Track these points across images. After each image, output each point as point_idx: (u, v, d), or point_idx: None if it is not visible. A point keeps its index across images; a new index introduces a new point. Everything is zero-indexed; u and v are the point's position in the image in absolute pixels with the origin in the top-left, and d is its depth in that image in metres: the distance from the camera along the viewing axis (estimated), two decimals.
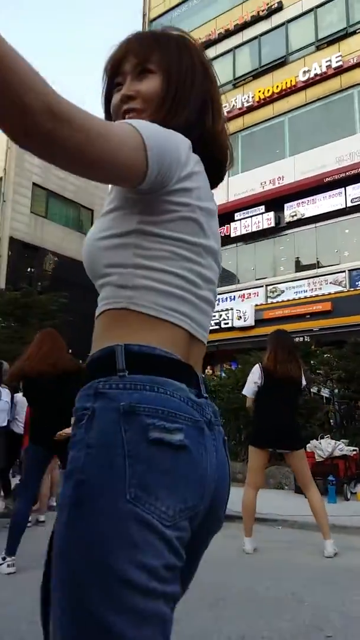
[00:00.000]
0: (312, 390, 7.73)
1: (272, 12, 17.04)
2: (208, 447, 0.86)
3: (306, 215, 15.19)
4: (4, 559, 3.41)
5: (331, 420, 7.69)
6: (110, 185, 0.91)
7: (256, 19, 17.35)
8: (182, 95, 0.98)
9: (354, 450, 6.33)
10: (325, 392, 7.87)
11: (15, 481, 6.15)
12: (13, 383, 5.33)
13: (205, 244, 0.94)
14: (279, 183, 15.88)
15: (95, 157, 0.73)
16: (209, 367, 11.29)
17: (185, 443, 0.81)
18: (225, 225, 16.72)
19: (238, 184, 17.03)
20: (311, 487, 3.96)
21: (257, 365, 4.25)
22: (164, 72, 0.98)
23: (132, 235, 0.88)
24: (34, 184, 20.25)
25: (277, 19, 17.02)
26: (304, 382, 4.10)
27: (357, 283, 14.27)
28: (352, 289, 14.07)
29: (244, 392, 4.27)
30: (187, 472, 0.81)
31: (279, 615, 2.61)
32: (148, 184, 0.81)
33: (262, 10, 17.20)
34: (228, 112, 17.71)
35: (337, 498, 5.80)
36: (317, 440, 6.37)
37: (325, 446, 6.18)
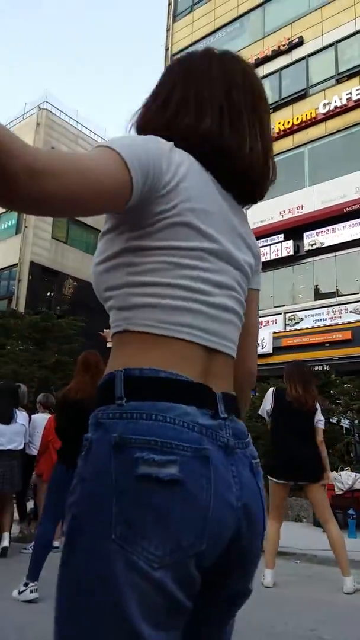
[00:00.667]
0: (332, 420, 7.60)
1: (293, 46, 17.43)
2: (216, 477, 0.77)
3: (326, 244, 15.20)
4: (26, 584, 3.31)
5: (351, 452, 7.54)
6: None
7: (277, 53, 17.76)
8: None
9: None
10: (345, 423, 7.74)
11: (29, 505, 6.13)
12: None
13: (208, 247, 0.87)
14: (298, 212, 15.97)
15: (85, 195, 0.72)
16: None
17: (178, 477, 0.73)
18: None
19: (257, 213, 17.16)
20: (330, 520, 3.86)
21: (270, 390, 4.24)
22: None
23: (122, 254, 0.86)
24: None
25: (297, 53, 17.40)
26: (318, 412, 4.06)
27: None
28: None
29: (260, 412, 4.34)
30: (180, 510, 0.73)
31: None
32: (135, 199, 0.79)
33: (283, 45, 17.60)
34: None
35: (357, 533, 5.64)
36: (337, 472, 6.24)
37: (345, 478, 6.05)
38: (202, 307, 0.86)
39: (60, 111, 21.82)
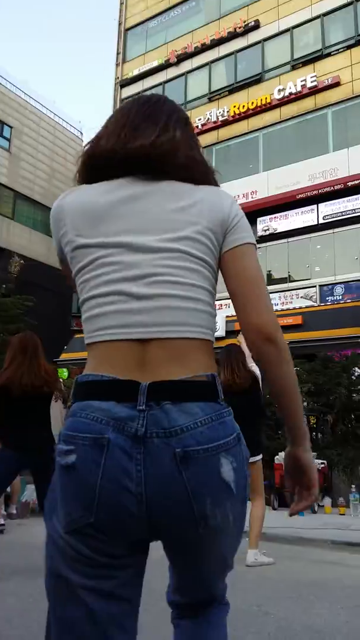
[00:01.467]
0: None
1: (248, 29, 17.37)
2: (110, 463, 0.87)
3: (279, 230, 15.41)
4: None
5: None
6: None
7: (233, 35, 17.66)
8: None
9: (322, 463, 6.37)
10: None
11: None
12: None
13: (103, 254, 0.97)
14: (252, 197, 16.09)
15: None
16: None
17: (73, 463, 0.88)
18: None
19: None
20: (259, 498, 4.02)
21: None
22: None
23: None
24: (0, 184, 20.03)
25: (253, 37, 17.37)
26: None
27: (327, 298, 14.51)
28: (322, 304, 14.29)
29: None
30: (73, 489, 0.90)
31: (245, 628, 2.56)
32: (64, 265, 1.09)
33: (239, 27, 17.52)
34: (203, 125, 17.91)
35: (304, 511, 5.82)
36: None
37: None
38: (118, 307, 0.94)
39: (7, 81, 21.05)
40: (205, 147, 18.26)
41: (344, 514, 5.77)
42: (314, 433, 7.69)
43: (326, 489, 6.39)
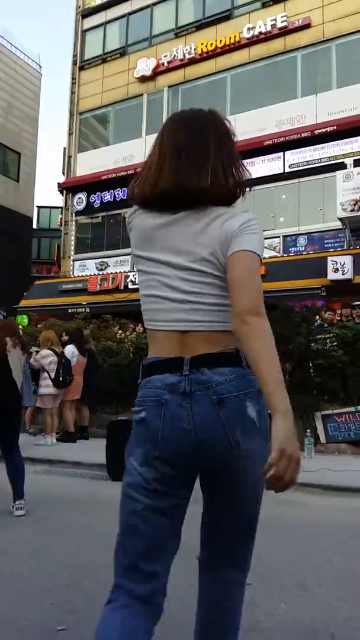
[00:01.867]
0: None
1: None
2: (168, 413, 1.27)
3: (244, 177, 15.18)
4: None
5: None
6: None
7: None
8: None
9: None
10: None
11: None
12: None
13: (147, 270, 1.37)
14: None
15: None
16: (140, 325, 11.23)
17: (143, 417, 1.31)
18: None
19: None
20: None
21: None
22: None
23: None
24: None
25: None
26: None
27: (290, 249, 14.60)
28: (285, 255, 14.38)
29: None
30: (144, 434, 1.30)
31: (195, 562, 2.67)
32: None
33: None
34: (169, 62, 17.13)
35: None
36: None
37: None
38: (161, 306, 1.33)
39: None
40: (171, 86, 17.55)
41: None
42: None
43: None
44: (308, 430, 6.13)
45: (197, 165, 1.33)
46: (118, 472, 5.05)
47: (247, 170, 1.45)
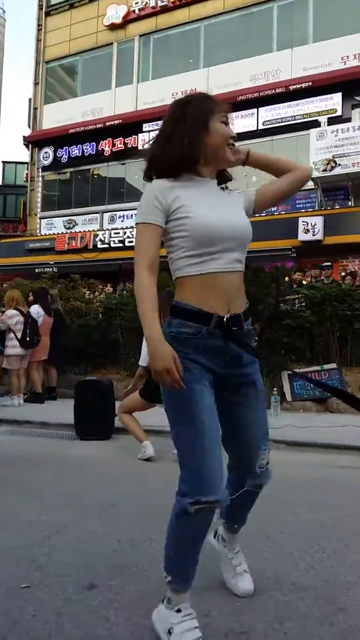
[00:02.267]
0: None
1: None
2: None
3: None
4: None
5: None
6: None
7: None
8: None
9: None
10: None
11: None
12: None
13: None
14: None
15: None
16: (109, 285, 11.09)
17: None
18: (132, 136, 15.93)
19: (148, 92, 16.13)
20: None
21: None
22: None
23: None
24: None
25: None
26: None
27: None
28: (257, 215, 14.20)
29: None
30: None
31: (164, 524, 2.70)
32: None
33: None
34: (140, 10, 16.35)
35: None
36: None
37: None
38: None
39: None
40: (142, 35, 16.78)
41: None
42: None
43: None
44: (275, 389, 6.23)
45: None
46: (86, 432, 5.06)
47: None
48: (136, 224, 1.62)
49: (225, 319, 1.59)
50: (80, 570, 2.10)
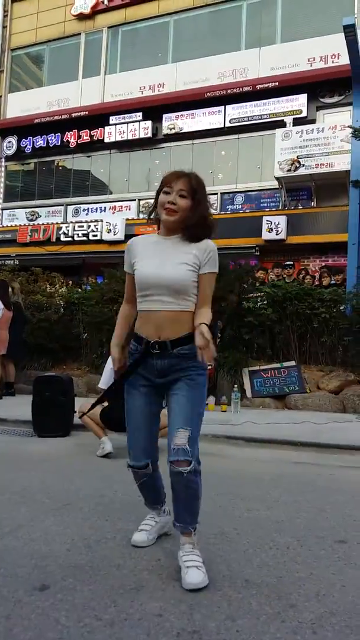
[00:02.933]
0: None
1: None
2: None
3: (184, 130, 14.81)
4: None
5: None
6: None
7: None
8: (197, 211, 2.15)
9: (209, 365, 6.67)
10: None
11: None
12: None
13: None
14: (159, 90, 15.14)
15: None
16: (70, 282, 10.93)
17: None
18: (99, 129, 15.71)
19: (115, 84, 15.94)
20: None
21: None
22: (193, 201, 2.14)
23: None
24: None
25: None
26: None
27: (227, 207, 14.56)
28: (222, 213, 14.34)
29: None
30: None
31: (126, 517, 2.68)
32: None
33: None
34: (109, 1, 16.13)
35: None
36: None
37: None
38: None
39: None
40: (110, 27, 16.55)
41: (225, 411, 6.19)
42: None
43: (211, 388, 6.77)
44: (235, 386, 6.28)
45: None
46: (44, 428, 4.97)
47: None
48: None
49: (151, 343, 2.09)
50: (32, 571, 2.06)
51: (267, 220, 12.70)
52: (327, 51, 13.34)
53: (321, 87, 13.27)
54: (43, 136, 16.73)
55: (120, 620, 1.70)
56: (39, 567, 2.10)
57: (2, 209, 17.70)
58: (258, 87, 13.70)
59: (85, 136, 16.05)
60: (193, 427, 2.05)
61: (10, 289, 7.46)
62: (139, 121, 15.19)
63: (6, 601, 1.81)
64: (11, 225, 16.85)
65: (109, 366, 2.29)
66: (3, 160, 17.84)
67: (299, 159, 12.38)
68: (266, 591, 1.92)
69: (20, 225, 16.46)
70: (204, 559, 2.04)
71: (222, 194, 14.59)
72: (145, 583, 1.97)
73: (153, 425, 2.24)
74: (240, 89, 13.89)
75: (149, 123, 15.05)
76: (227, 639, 1.60)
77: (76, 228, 15.25)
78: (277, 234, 12.58)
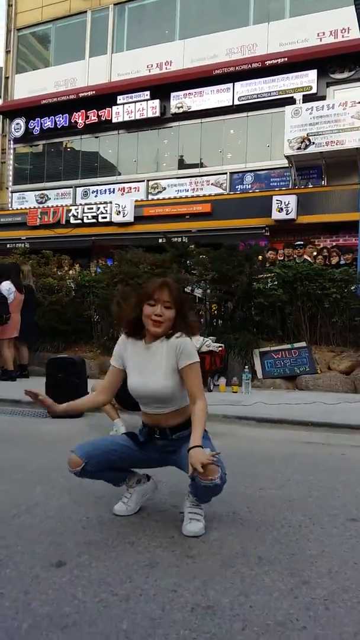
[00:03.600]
0: (186, 290, 7.87)
1: None
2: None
3: (192, 109, 14.62)
4: None
5: (202, 319, 8.00)
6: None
7: None
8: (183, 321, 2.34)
9: (220, 346, 6.68)
10: (198, 292, 8.07)
11: None
12: None
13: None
14: (166, 68, 14.92)
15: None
16: (77, 265, 10.93)
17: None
18: (106, 109, 15.56)
19: (122, 63, 15.73)
20: None
21: None
22: (176, 309, 2.30)
23: None
24: None
25: None
26: None
27: (237, 187, 14.42)
28: (231, 193, 14.20)
29: None
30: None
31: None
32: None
33: None
34: None
35: None
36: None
37: (194, 342, 6.44)
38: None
39: None
40: (117, 4, 16.25)
41: (236, 392, 6.22)
42: (214, 319, 7.99)
43: (222, 369, 6.79)
44: (246, 367, 6.29)
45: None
46: None
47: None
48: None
49: (153, 429, 2.38)
50: (48, 548, 2.10)
51: (277, 200, 12.57)
52: (337, 25, 13.03)
53: (331, 63, 12.99)
54: (51, 117, 16.62)
55: (135, 595, 1.74)
56: (55, 543, 2.14)
57: (12, 192, 17.69)
58: (267, 63, 13.45)
59: (93, 116, 15.91)
60: (211, 448, 2.22)
61: (21, 272, 7.48)
62: (146, 100, 15.02)
63: (24, 577, 1.86)
64: (21, 208, 16.85)
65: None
66: (12, 142, 17.76)
67: (309, 137, 12.19)
68: (279, 568, 1.95)
69: (30, 208, 16.46)
70: (216, 537, 2.07)
71: (231, 173, 14.45)
72: (159, 559, 2.01)
73: (115, 451, 2.38)
74: (249, 66, 13.64)
75: (156, 102, 14.87)
76: (241, 614, 1.63)
77: (85, 210, 15.21)
78: (287, 214, 12.45)
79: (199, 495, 2.26)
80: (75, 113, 16.19)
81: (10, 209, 17.28)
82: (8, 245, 13.84)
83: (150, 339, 2.35)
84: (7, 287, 6.98)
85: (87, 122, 16.06)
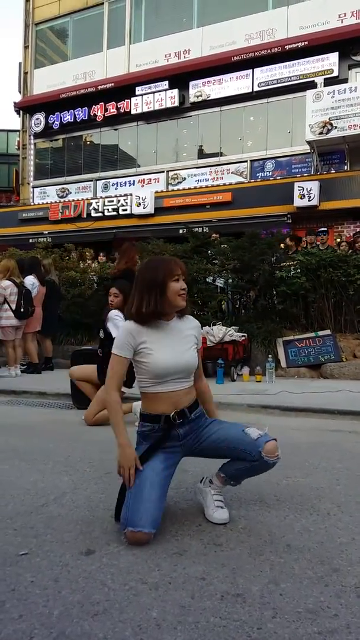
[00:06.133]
0: (207, 280, 7.84)
1: None
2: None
3: (212, 97, 14.48)
4: None
5: (224, 309, 7.96)
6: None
7: None
8: None
9: (242, 336, 6.64)
10: (219, 282, 8.03)
11: None
12: None
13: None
14: (184, 57, 14.78)
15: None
16: (101, 255, 10.96)
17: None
18: (125, 100, 15.53)
19: (140, 54, 15.65)
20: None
21: None
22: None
23: None
24: None
25: None
26: None
27: (257, 175, 14.26)
28: (252, 181, 14.05)
29: None
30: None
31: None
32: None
33: None
34: None
35: (224, 379, 6.17)
36: (210, 326, 6.59)
37: (216, 332, 6.42)
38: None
39: None
40: None
41: (260, 381, 6.18)
42: (236, 308, 7.94)
43: (245, 359, 6.75)
44: (270, 356, 6.24)
45: None
46: (83, 401, 5.07)
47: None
48: (113, 353, 2.25)
49: (171, 416, 2.25)
50: (77, 536, 2.12)
51: (298, 187, 12.39)
52: (359, 6, 12.69)
53: (353, 45, 12.70)
54: (70, 111, 16.67)
55: (164, 583, 1.74)
56: (84, 532, 2.16)
57: (33, 187, 17.84)
58: (287, 47, 13.22)
59: (112, 109, 15.90)
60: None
61: (42, 266, 7.55)
62: (165, 90, 14.93)
63: (54, 565, 1.88)
64: (43, 203, 16.99)
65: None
66: (32, 137, 17.89)
67: (331, 121, 11.95)
68: (308, 556, 1.93)
69: (51, 203, 16.58)
70: (244, 525, 2.06)
71: (251, 161, 14.29)
72: (188, 548, 2.01)
73: (166, 490, 2.22)
74: (269, 51, 13.43)
75: (175, 92, 14.77)
76: (271, 602, 1.62)
77: (106, 203, 15.26)
78: (309, 200, 12.26)
79: (250, 474, 2.32)
80: (94, 106, 16.20)
81: (32, 204, 17.44)
82: (31, 240, 13.98)
83: (172, 315, 2.32)
84: (31, 281, 7.06)
85: (106, 115, 16.06)
